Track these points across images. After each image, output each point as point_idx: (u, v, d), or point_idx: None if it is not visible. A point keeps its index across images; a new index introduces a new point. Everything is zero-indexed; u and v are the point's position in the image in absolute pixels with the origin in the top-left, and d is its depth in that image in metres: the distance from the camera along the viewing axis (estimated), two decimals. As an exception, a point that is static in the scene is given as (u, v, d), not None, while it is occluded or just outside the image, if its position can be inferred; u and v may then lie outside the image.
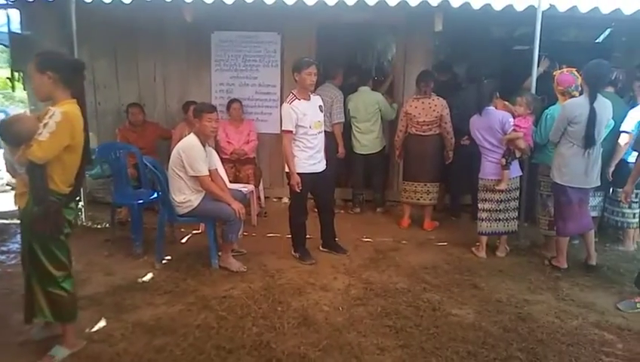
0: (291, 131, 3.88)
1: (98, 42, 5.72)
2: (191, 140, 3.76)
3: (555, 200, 3.98)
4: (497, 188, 4.15)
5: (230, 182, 4.98)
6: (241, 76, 5.79)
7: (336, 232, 4.46)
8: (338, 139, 5.31)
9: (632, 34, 5.47)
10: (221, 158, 5.17)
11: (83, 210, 4.95)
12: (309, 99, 3.98)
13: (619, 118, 4.13)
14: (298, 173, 3.92)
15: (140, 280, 3.70)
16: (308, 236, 4.30)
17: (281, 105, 5.57)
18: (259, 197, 5.52)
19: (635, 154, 4.21)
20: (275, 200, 5.94)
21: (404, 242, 4.66)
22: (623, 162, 4.25)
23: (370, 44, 6.82)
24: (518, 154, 4.17)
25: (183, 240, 4.58)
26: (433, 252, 4.43)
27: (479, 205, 4.33)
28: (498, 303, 3.41)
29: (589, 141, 3.66)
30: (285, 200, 5.93)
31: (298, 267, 3.99)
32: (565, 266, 3.95)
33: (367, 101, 5.36)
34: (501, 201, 4.23)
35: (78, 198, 4.84)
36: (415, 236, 4.84)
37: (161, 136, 5.49)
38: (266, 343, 2.81)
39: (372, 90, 5.49)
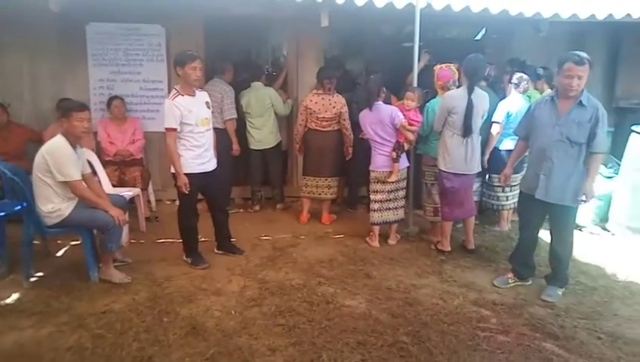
0: (175, 129, 3.67)
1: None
2: (57, 142, 3.38)
3: (440, 186, 4.21)
4: (389, 180, 4.30)
5: (114, 185, 4.62)
6: (123, 71, 5.38)
7: (235, 232, 4.34)
8: (231, 136, 5.16)
9: (501, 32, 5.97)
10: (103, 161, 4.78)
11: None
12: (194, 95, 3.79)
13: (491, 110, 4.47)
14: (185, 174, 3.72)
15: (2, 302, 3.26)
16: (202, 239, 4.13)
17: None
18: (148, 201, 5.20)
19: (507, 142, 4.65)
20: (168, 202, 5.61)
21: (302, 237, 4.66)
22: (496, 150, 4.62)
23: (263, 38, 6.72)
24: (406, 147, 4.35)
25: (59, 254, 4.14)
26: (330, 245, 4.48)
27: (371, 196, 4.46)
28: (388, 290, 3.52)
29: (467, 130, 3.92)
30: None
31: (190, 273, 3.80)
32: (449, 249, 4.20)
33: (260, 96, 5.27)
34: (391, 191, 4.39)
35: None
36: (314, 230, 4.86)
37: (31, 139, 4.91)
38: (148, 358, 2.62)
39: (266, 85, 5.40)
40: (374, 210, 4.42)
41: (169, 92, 5.29)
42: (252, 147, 5.38)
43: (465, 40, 7.54)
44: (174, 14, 5.17)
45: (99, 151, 4.94)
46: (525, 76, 4.70)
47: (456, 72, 4.23)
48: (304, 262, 4.06)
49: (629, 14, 4.74)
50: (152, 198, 5.31)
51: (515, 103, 4.61)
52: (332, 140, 4.97)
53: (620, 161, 5.15)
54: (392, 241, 4.48)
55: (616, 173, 4.80)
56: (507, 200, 4.78)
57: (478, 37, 7.52)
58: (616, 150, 5.21)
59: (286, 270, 3.88)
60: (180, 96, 3.68)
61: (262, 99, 5.27)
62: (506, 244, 4.41)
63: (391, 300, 3.36)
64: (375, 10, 4.62)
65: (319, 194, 5.04)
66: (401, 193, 4.46)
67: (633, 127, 4.61)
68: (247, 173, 5.62)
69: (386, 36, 7.42)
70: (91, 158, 4.04)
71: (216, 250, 4.22)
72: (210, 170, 3.92)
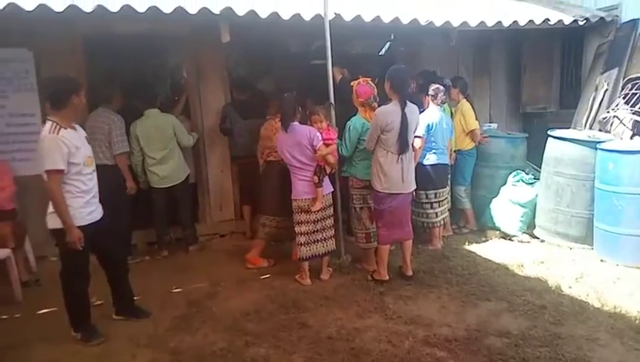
0: (62, 171, 2.92)
1: None
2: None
3: (376, 208, 3.86)
4: (313, 209, 3.84)
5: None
6: (-19, 106, 4.41)
7: (139, 286, 3.61)
8: (124, 173, 4.40)
9: (408, 44, 5.88)
10: (-43, 219, 3.80)
11: None
12: (76, 130, 3.10)
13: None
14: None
15: None
16: (98, 302, 3.38)
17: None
18: (26, 259, 4.25)
19: (430, 156, 4.45)
20: (53, 259, 4.61)
21: (222, 284, 4.01)
22: (420, 165, 4.36)
23: (158, 59, 6.02)
24: (328, 170, 3.94)
25: None
26: (256, 289, 3.90)
27: (295, 229, 3.95)
28: (329, 340, 3.02)
29: (403, 147, 3.63)
30: (69, 257, 4.72)
31: (81, 352, 3.02)
32: (387, 278, 3.83)
33: (160, 126, 4.58)
34: (317, 221, 3.93)
35: None
36: (235, 273, 4.23)
37: None
38: None
39: (163, 111, 4.72)
40: (301, 244, 3.92)
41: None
42: (155, 186, 4.65)
43: (371, 55, 7.46)
44: (44, 34, 4.33)
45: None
46: (442, 87, 4.57)
47: (375, 87, 3.94)
48: (226, 316, 3.44)
49: (531, 20, 4.82)
50: (31, 257, 4.36)
51: (434, 115, 4.44)
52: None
53: (535, 165, 5.22)
54: (324, 276, 4.02)
55: (537, 179, 4.80)
56: (437, 216, 4.56)
57: (382, 52, 7.51)
58: (530, 155, 5.28)
59: (205, 331, 3.23)
60: (62, 128, 2.95)
61: (163, 129, 4.58)
62: (443, 266, 4.14)
63: (335, 353, 2.87)
64: (281, 24, 4.22)
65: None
66: (329, 221, 4.02)
67: (549, 132, 4.64)
68: (150, 215, 4.84)
69: (293, 53, 7.12)
70: None
71: (115, 316, 3.44)
72: (99, 218, 3.19)
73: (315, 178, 3.84)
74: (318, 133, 3.84)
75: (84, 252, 3.05)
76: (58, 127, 2.94)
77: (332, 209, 4.06)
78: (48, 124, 2.96)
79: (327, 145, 3.85)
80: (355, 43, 7.62)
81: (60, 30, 4.27)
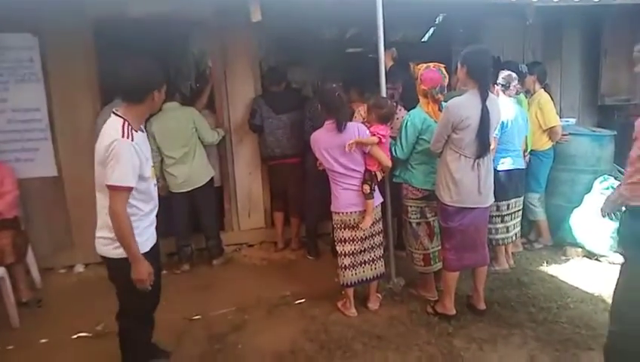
0: (132, 189, 2.21)
1: None
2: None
3: (443, 226, 3.10)
4: (363, 226, 3.12)
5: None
6: (-22, 99, 3.89)
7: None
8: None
9: (467, 25, 5.07)
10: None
11: None
12: (143, 131, 2.40)
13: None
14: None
15: None
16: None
17: (53, 134, 3.97)
18: (29, 273, 3.73)
19: (505, 160, 3.67)
20: (62, 270, 4.16)
21: (250, 311, 3.36)
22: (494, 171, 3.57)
23: (177, 46, 5.43)
24: (379, 176, 3.20)
25: None
26: (290, 320, 3.23)
27: (338, 248, 3.25)
28: (388, 405, 2.33)
29: (481, 149, 2.86)
30: (80, 268, 4.19)
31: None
32: (453, 312, 3.08)
33: (179, 119, 3.97)
34: (365, 239, 3.21)
35: None
36: (265, 295, 3.57)
37: None
38: None
39: (183, 104, 4.11)
40: (345, 268, 3.22)
41: (52, 123, 3.97)
42: (174, 190, 4.05)
43: (413, 43, 6.66)
44: (49, 18, 3.76)
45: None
46: (514, 74, 3.75)
47: (447, 76, 3.17)
48: (255, 358, 2.79)
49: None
50: (35, 271, 3.83)
51: (508, 110, 3.62)
52: None
53: (621, 168, 4.35)
54: (373, 305, 3.31)
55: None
56: (507, 231, 3.77)
57: (425, 38, 6.71)
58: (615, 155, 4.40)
59: (228, 381, 2.60)
60: (134, 131, 2.24)
61: (183, 124, 3.97)
62: (520, 294, 3.36)
63: None
64: (320, 5, 3.51)
65: None
66: (378, 239, 3.29)
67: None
68: (168, 223, 4.22)
69: (327, 40, 6.43)
70: None
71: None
72: (155, 242, 2.50)
73: (366, 187, 3.11)
74: (368, 131, 3.12)
75: (148, 288, 2.30)
76: (131, 128, 2.22)
77: (381, 223, 3.34)
78: (118, 122, 2.21)
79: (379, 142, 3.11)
80: (395, 31, 6.83)
81: (67, 13, 3.70)
